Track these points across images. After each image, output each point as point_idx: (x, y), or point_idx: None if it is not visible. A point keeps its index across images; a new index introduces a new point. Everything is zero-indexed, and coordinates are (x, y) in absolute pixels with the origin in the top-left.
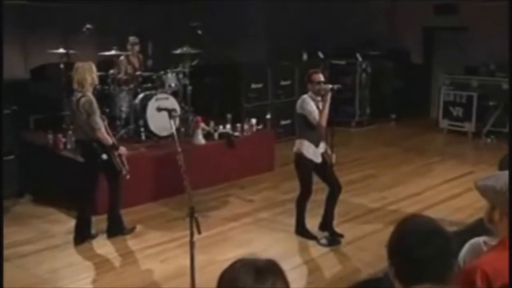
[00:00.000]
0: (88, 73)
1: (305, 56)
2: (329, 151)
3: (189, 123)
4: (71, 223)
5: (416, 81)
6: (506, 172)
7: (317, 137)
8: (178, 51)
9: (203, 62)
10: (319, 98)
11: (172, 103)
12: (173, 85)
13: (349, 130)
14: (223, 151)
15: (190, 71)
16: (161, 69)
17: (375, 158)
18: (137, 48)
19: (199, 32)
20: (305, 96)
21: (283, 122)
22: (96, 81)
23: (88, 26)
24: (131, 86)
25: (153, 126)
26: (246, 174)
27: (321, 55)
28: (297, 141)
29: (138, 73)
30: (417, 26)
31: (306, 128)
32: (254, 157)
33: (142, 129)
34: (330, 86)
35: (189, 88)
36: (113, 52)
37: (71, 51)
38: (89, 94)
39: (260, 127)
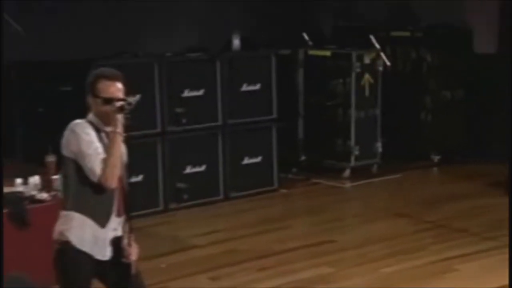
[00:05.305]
0: None
1: (236, 43)
2: (126, 240)
3: None
4: None
5: (486, 88)
6: None
7: (104, 206)
8: None
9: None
10: (109, 128)
11: None
12: None
13: (339, 186)
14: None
15: None
16: None
17: (360, 242)
18: None
19: None
20: (79, 121)
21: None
22: None
23: None
24: None
25: None
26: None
27: (307, 38)
28: (62, 215)
29: None
30: None
31: (78, 186)
32: None
33: None
34: (118, 103)
35: None
36: None
37: None
38: None
39: None
